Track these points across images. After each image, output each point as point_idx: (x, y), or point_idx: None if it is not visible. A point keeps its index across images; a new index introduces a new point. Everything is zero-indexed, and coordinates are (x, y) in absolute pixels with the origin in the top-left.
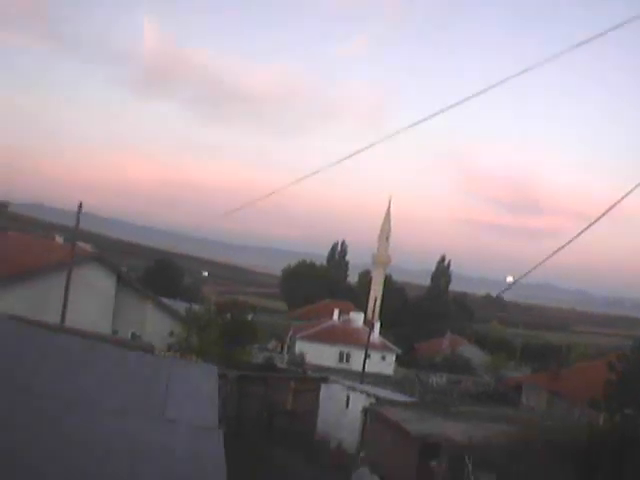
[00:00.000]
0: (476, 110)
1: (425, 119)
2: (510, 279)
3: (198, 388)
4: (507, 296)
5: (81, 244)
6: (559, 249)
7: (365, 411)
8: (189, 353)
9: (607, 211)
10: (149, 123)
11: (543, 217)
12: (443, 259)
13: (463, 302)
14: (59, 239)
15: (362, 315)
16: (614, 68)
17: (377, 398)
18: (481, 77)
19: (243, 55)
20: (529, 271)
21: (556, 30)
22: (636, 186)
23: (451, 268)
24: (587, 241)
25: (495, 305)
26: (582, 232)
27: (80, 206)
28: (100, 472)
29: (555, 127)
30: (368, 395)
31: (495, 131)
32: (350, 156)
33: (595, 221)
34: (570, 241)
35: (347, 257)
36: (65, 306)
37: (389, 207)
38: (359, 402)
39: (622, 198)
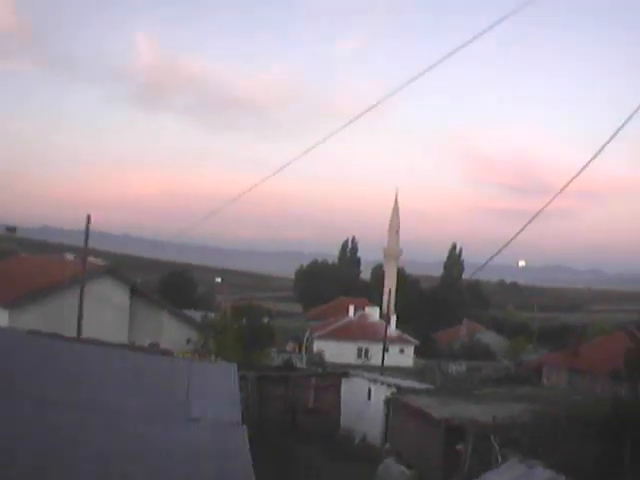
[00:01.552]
0: (476, 96)
1: (390, 95)
2: (522, 263)
3: (218, 386)
4: (522, 281)
5: (92, 259)
6: (520, 230)
7: (387, 401)
8: (207, 355)
9: (566, 185)
10: (151, 137)
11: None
12: (454, 247)
13: (477, 289)
14: (70, 257)
15: (377, 310)
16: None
17: (398, 388)
18: (483, 65)
19: (241, 60)
20: (499, 251)
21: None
22: (598, 152)
23: (463, 257)
24: (599, 220)
25: (510, 290)
26: (543, 208)
27: (89, 219)
28: (128, 475)
29: (557, 107)
30: (389, 386)
31: (497, 116)
32: (316, 145)
33: (554, 197)
34: (531, 220)
35: (358, 254)
36: (80, 320)
37: (396, 200)
38: (381, 393)
39: (583, 168)
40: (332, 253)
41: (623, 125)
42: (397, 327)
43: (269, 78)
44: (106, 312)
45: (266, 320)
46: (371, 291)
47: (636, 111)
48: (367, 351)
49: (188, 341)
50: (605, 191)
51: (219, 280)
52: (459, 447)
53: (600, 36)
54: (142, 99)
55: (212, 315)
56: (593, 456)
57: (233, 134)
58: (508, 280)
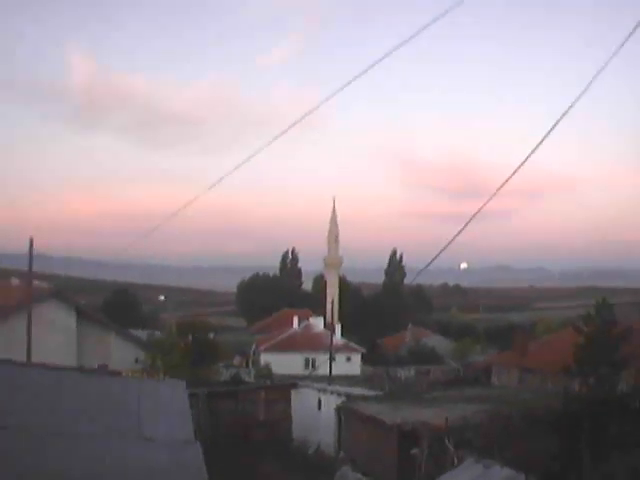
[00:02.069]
0: (411, 100)
1: (313, 109)
2: (464, 265)
3: (169, 404)
4: (465, 283)
5: (36, 282)
6: (458, 233)
7: (338, 410)
8: (155, 373)
9: (502, 185)
10: (88, 156)
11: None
12: (395, 253)
13: (420, 294)
14: (15, 281)
15: (321, 319)
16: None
17: (348, 396)
18: (418, 68)
19: (175, 75)
20: (437, 255)
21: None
22: (532, 152)
23: (405, 262)
24: (539, 218)
25: (453, 293)
26: (479, 210)
27: (31, 242)
28: None
29: (493, 109)
30: (339, 394)
31: (432, 120)
32: (249, 158)
33: (490, 198)
34: (468, 222)
35: (299, 264)
36: (29, 344)
37: (334, 209)
38: (331, 402)
39: (518, 168)
40: (274, 265)
41: (556, 124)
42: (342, 336)
43: (204, 91)
44: (53, 336)
45: (212, 336)
46: (314, 301)
47: (569, 108)
48: (314, 361)
49: (136, 361)
50: (543, 189)
51: (163, 298)
52: (414, 451)
53: (535, 36)
54: (79, 118)
55: (158, 333)
56: (549, 453)
57: (170, 150)
58: (451, 283)
